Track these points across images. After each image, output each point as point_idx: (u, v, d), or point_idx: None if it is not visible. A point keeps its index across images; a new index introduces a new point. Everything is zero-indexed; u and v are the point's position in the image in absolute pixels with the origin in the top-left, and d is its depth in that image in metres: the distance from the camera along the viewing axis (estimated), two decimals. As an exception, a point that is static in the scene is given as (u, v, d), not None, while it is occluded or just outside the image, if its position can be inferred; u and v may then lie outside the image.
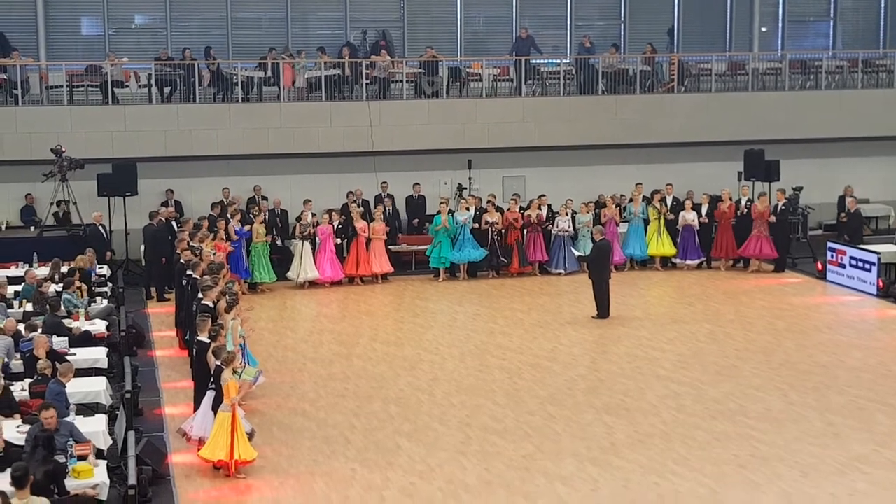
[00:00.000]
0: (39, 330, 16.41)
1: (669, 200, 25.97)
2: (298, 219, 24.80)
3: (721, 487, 13.18)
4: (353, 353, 19.22)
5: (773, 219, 25.11)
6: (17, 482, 10.43)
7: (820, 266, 24.89)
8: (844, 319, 21.80)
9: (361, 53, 28.41)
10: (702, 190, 26.40)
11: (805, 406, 16.07)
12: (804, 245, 26.65)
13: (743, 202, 25.69)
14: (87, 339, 17.38)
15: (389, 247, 25.35)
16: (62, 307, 18.25)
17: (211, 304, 16.41)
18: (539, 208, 25.48)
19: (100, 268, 22.31)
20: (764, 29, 31.38)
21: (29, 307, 18.73)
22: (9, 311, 18.36)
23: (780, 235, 25.34)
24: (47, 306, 17.76)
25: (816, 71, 29.73)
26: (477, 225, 25.06)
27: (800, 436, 14.83)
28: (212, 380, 14.14)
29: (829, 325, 21.37)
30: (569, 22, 30.66)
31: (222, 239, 22.61)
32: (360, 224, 24.60)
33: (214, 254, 20.55)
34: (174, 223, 24.01)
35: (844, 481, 13.35)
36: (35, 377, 14.71)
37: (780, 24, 31.74)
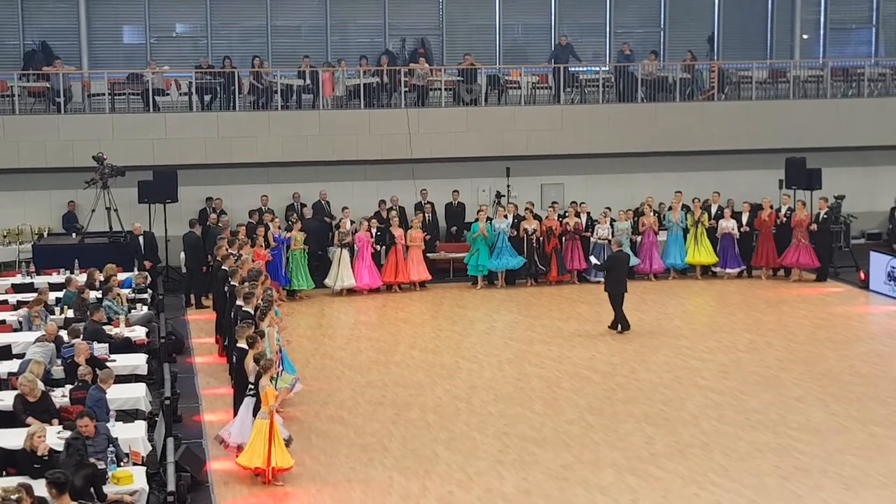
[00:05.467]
0: (81, 336, 16.51)
1: (714, 209, 25.80)
2: (337, 226, 24.87)
3: (762, 499, 13.04)
4: (390, 361, 19.22)
5: (814, 227, 24.91)
6: (59, 487, 10.51)
7: (862, 275, 24.64)
8: (887, 329, 21.57)
9: (400, 61, 28.46)
10: (742, 198, 26.22)
11: (847, 417, 15.89)
12: (846, 254, 26.39)
13: (783, 210, 25.49)
14: (127, 346, 17.47)
15: (427, 254, 25.36)
16: (103, 314, 18.35)
17: (252, 311, 16.46)
18: (577, 216, 25.40)
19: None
20: (805, 36, 31.14)
21: (70, 313, 18.87)
22: (50, 317, 18.50)
23: (822, 244, 25.12)
24: (88, 312, 17.88)
25: (858, 78, 29.48)
26: (515, 232, 25.02)
27: (842, 447, 14.67)
28: (250, 387, 14.17)
29: (872, 336, 21.18)
30: (608, 29, 30.54)
31: (261, 246, 22.71)
32: (397, 232, 24.63)
33: (253, 261, 20.63)
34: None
35: (887, 493, 13.17)
36: (76, 383, 14.82)
37: (822, 32, 31.46)
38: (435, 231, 26.32)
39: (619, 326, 20.85)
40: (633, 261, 25.53)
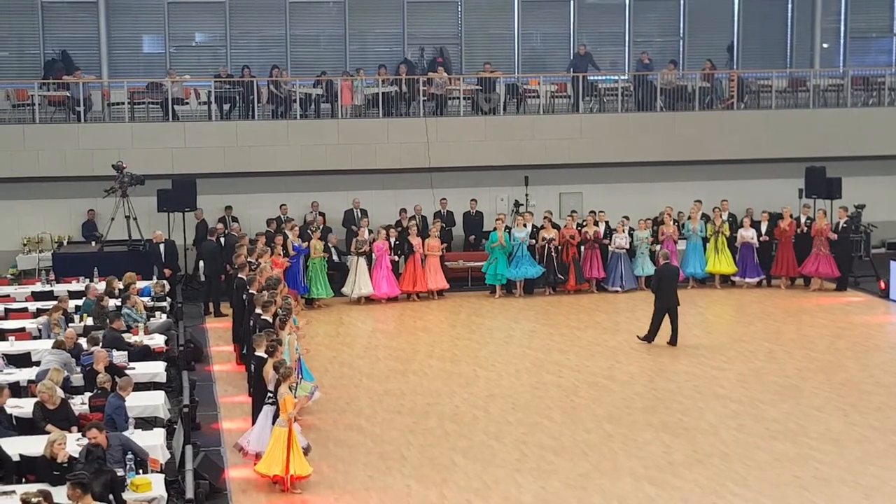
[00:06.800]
0: (100, 344, 16.57)
1: (725, 216, 25.70)
2: (355, 235, 24.90)
3: (781, 509, 13.00)
4: (408, 370, 19.22)
5: (833, 236, 24.81)
6: (83, 488, 10.59)
7: (883, 285, 24.51)
8: (908, 339, 21.49)
9: (419, 70, 28.50)
10: (762, 207, 26.12)
11: (867, 426, 15.80)
12: (866, 263, 26.27)
13: (803, 220, 25.41)
14: (146, 354, 17.52)
15: (445, 263, 25.32)
16: (122, 322, 18.41)
17: (270, 320, 16.47)
18: (596, 224, 25.35)
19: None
20: (825, 45, 31.05)
21: (90, 321, 18.93)
22: (70, 325, 18.57)
23: (842, 254, 25.01)
24: (107, 320, 17.94)
25: (879, 87, 29.38)
26: (534, 241, 24.98)
27: (862, 457, 14.58)
28: (270, 395, 14.18)
29: (892, 345, 21.08)
30: (627, 38, 30.52)
31: (279, 255, 22.74)
32: (415, 241, 24.64)
33: (271, 269, 20.64)
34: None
35: (908, 504, 13.12)
36: (95, 391, 14.87)
37: (842, 40, 31.37)
38: (448, 239, 26.07)
39: (648, 336, 20.54)
40: (648, 270, 25.44)
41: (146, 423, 14.73)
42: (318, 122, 26.96)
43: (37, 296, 21.63)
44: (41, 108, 26.18)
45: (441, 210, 26.65)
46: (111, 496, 11.60)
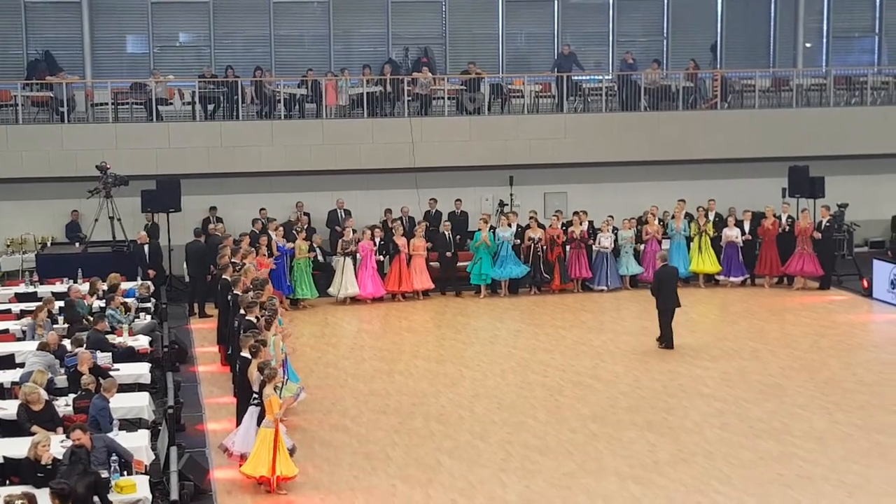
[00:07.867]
0: (84, 345, 16.52)
1: (711, 216, 25.78)
2: (339, 235, 24.89)
3: (765, 507, 13.04)
4: (394, 370, 19.22)
5: (817, 235, 24.89)
6: (63, 498, 10.54)
7: (866, 283, 24.61)
8: (891, 337, 21.56)
9: (403, 70, 28.49)
10: (746, 207, 26.19)
11: (850, 425, 15.87)
12: (849, 262, 26.37)
13: (783, 219, 25.49)
14: (130, 355, 17.47)
15: (431, 263, 25.30)
16: (106, 323, 18.35)
17: (255, 321, 16.46)
18: (581, 224, 25.37)
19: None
20: (808, 45, 31.15)
21: (75, 323, 18.87)
22: (53, 326, 18.50)
23: (825, 253, 25.11)
24: (84, 321, 17.89)
25: (861, 87, 29.48)
26: (519, 241, 25.00)
27: (846, 455, 14.65)
28: (255, 396, 14.17)
29: (875, 344, 21.16)
30: (611, 38, 30.56)
31: (264, 255, 22.72)
32: (400, 241, 24.65)
33: (257, 269, 20.61)
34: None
35: (891, 502, 13.17)
36: (79, 392, 14.83)
37: (825, 40, 31.48)
38: (449, 246, 25.68)
39: (664, 342, 20.38)
40: (632, 270, 25.49)
41: (131, 424, 14.70)
42: (302, 123, 26.93)
43: (20, 297, 21.55)
44: (24, 109, 26.08)
45: (431, 210, 26.63)
46: (96, 498, 11.58)
